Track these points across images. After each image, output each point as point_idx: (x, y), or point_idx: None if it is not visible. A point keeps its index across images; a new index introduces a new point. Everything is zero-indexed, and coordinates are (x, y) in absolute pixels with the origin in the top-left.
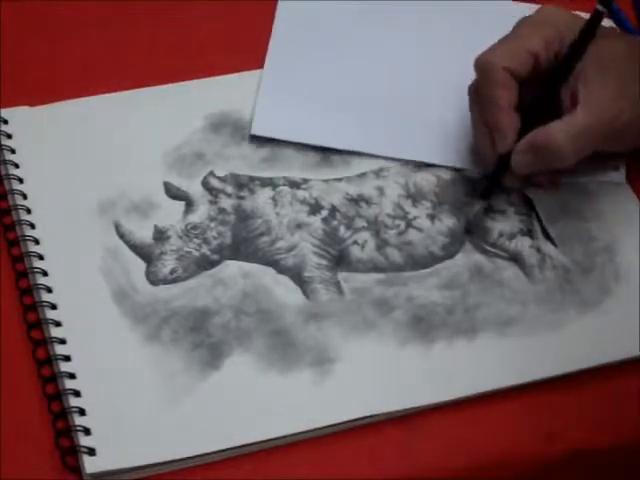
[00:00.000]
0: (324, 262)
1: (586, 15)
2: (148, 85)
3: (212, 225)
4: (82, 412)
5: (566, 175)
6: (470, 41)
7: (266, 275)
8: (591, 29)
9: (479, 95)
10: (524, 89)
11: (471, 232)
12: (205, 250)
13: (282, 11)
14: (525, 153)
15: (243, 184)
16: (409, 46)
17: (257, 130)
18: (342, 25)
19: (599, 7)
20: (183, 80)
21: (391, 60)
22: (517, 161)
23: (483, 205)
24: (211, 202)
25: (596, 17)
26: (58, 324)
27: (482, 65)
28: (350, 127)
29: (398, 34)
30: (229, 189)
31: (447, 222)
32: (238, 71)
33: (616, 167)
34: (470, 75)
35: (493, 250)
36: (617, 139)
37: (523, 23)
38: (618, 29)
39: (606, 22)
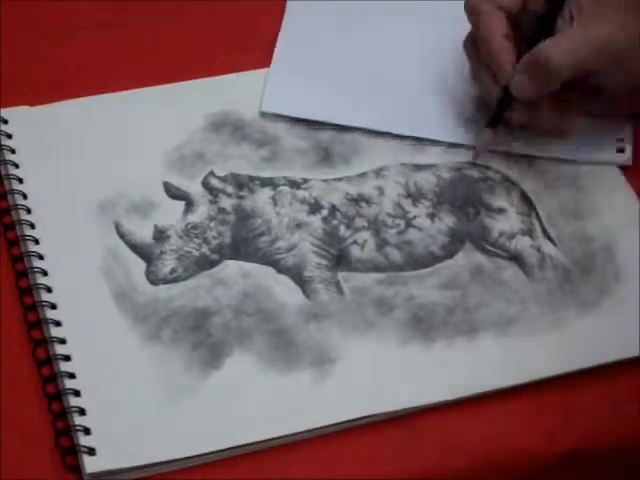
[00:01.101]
0: (324, 262)
1: None
2: (148, 85)
3: (212, 225)
4: (82, 412)
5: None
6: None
7: (266, 275)
8: None
9: (474, 41)
10: (516, 29)
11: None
12: (205, 250)
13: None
14: (522, 73)
15: (243, 184)
16: (410, 30)
17: (267, 107)
18: (351, 12)
19: None
20: (183, 80)
21: (395, 43)
22: (516, 84)
23: (491, 134)
24: (211, 202)
25: None
26: (58, 324)
27: (472, 4)
28: (359, 105)
29: (401, 19)
30: (229, 189)
31: (447, 221)
32: (238, 71)
33: (621, 150)
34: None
35: (493, 250)
36: (614, 63)
37: None
38: None
39: None
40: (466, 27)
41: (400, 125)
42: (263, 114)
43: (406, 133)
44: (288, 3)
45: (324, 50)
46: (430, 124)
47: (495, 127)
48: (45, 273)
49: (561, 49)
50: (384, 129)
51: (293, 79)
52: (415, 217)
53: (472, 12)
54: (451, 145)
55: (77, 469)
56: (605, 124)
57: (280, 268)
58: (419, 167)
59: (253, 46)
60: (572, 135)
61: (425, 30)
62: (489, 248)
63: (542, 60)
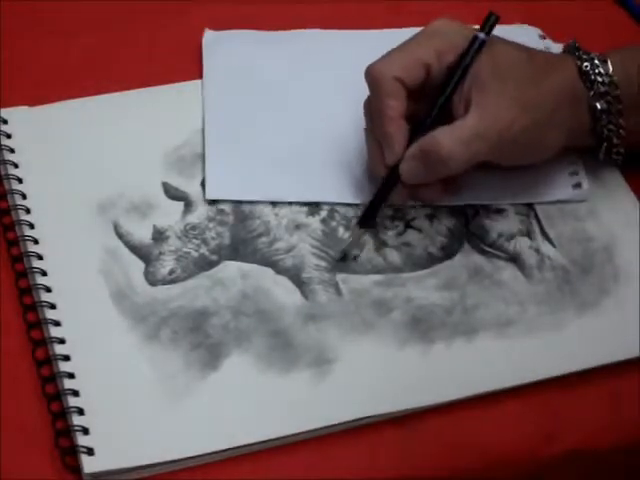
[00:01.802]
0: (323, 263)
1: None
2: (148, 85)
3: (211, 226)
4: (81, 412)
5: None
6: None
7: (265, 276)
8: (486, 31)
9: (370, 107)
10: (417, 101)
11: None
12: (204, 250)
13: (209, 67)
14: (413, 160)
15: None
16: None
17: (211, 195)
18: (271, 73)
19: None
20: (183, 80)
21: (326, 104)
22: (405, 169)
23: (360, 234)
24: (210, 203)
25: (488, 20)
26: (57, 324)
27: (372, 74)
28: (293, 179)
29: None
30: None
31: (446, 222)
32: None
33: (578, 185)
34: None
35: (492, 251)
36: (513, 150)
37: (415, 35)
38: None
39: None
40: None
41: (339, 194)
42: None
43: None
44: (205, 92)
45: (253, 130)
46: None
47: (370, 226)
48: (44, 273)
49: (454, 142)
50: (326, 200)
51: (228, 165)
52: (414, 218)
53: (371, 83)
54: None
55: (77, 469)
56: (554, 161)
57: (279, 269)
58: None
59: None
60: (522, 178)
61: (353, 93)
62: (488, 249)
63: (434, 152)
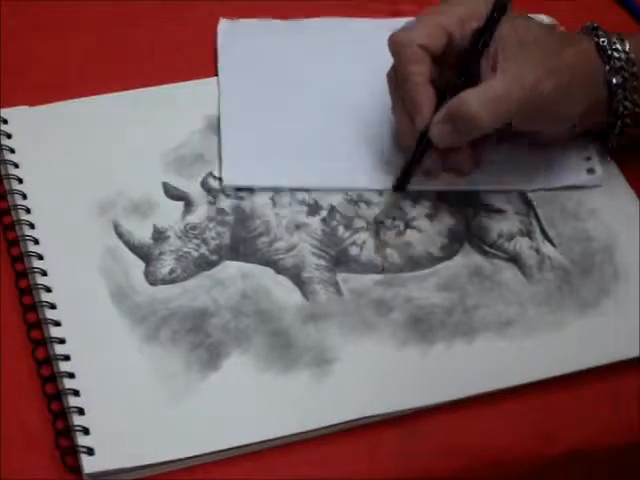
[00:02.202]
0: (323, 263)
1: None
2: (148, 85)
3: (211, 225)
4: (81, 412)
5: (536, 185)
6: None
7: (265, 276)
8: None
9: (395, 75)
10: (442, 70)
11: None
12: (204, 250)
13: (224, 56)
14: (442, 123)
15: None
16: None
17: (229, 181)
18: (286, 62)
19: None
20: (183, 80)
21: (341, 92)
22: (436, 133)
23: (394, 198)
24: (210, 202)
25: None
26: (57, 324)
27: (396, 43)
28: (307, 168)
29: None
30: (228, 189)
31: (446, 222)
32: None
33: (591, 170)
34: None
35: (492, 251)
36: (537, 113)
37: (438, 5)
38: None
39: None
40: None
41: (355, 180)
42: None
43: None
44: (221, 80)
45: (269, 118)
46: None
47: (404, 189)
48: (44, 273)
49: (482, 102)
50: (341, 187)
51: (244, 152)
52: (414, 218)
53: (395, 51)
54: None
55: (77, 469)
56: (568, 146)
57: (279, 269)
58: None
59: None
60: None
61: (369, 80)
62: (488, 249)
63: (462, 112)
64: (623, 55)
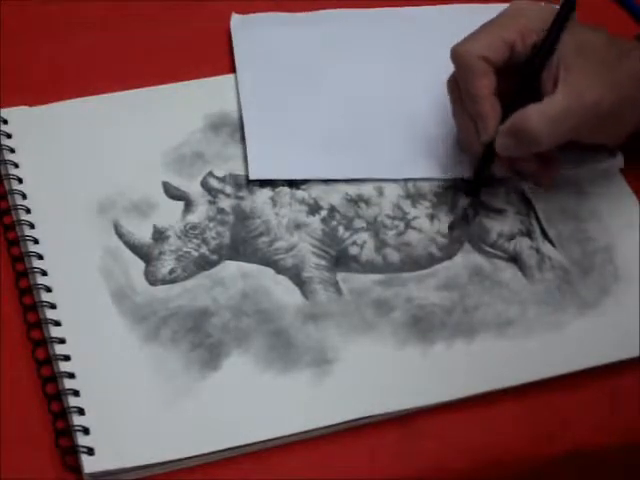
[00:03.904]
0: (323, 262)
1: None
2: (148, 85)
3: (211, 225)
4: (81, 412)
5: (560, 165)
6: (433, 49)
7: (265, 275)
8: (568, 7)
9: (459, 86)
10: (501, 80)
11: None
12: (204, 250)
13: (241, 51)
14: (505, 136)
15: (242, 184)
16: (377, 64)
17: (254, 174)
18: (304, 54)
19: None
20: (182, 79)
21: (363, 82)
22: (499, 144)
23: (468, 203)
24: (210, 202)
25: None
26: (57, 324)
27: (459, 55)
28: (340, 158)
29: (363, 55)
30: (228, 189)
31: (446, 222)
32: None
33: (613, 153)
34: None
35: (492, 251)
36: (598, 127)
37: (498, 16)
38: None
39: None
40: (427, 60)
41: (384, 170)
42: None
43: (393, 177)
44: (239, 74)
45: (291, 110)
46: (414, 164)
47: (476, 196)
48: (45, 273)
49: (543, 119)
50: (370, 176)
51: (270, 144)
52: (414, 218)
53: (459, 63)
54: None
55: (77, 469)
56: None
57: (279, 268)
58: None
59: None
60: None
61: (390, 70)
62: (488, 249)
63: (524, 128)
64: None
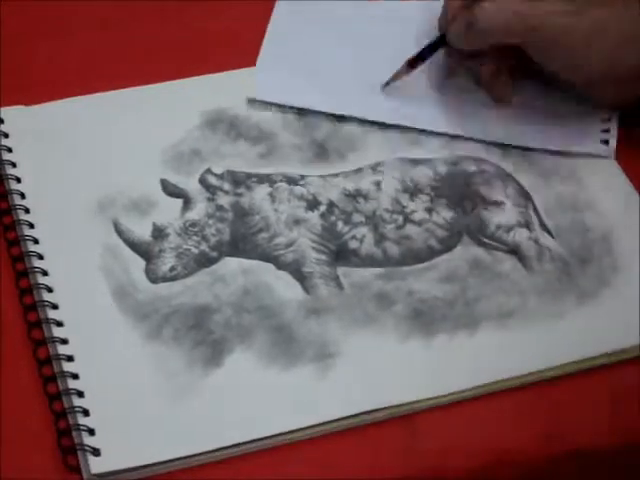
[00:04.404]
0: (323, 257)
1: None
2: (146, 83)
3: (210, 222)
4: (86, 412)
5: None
6: None
7: (266, 271)
8: None
9: None
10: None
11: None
12: (204, 247)
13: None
14: (458, 25)
15: (240, 181)
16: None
17: (260, 95)
18: (335, 10)
19: None
20: (181, 78)
21: (382, 40)
22: (452, 33)
23: (405, 69)
24: (209, 199)
25: None
26: (59, 324)
27: None
28: (352, 97)
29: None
30: (226, 186)
31: (445, 215)
32: (235, 68)
33: (605, 141)
34: None
35: (491, 243)
36: (554, 49)
37: None
38: None
39: None
40: None
41: (396, 117)
42: (257, 106)
43: (403, 123)
44: (277, 2)
45: (313, 45)
46: (427, 116)
47: (415, 66)
48: (45, 273)
49: (488, 12)
50: (379, 119)
51: (282, 70)
52: (413, 212)
53: None
54: (450, 138)
55: (78, 469)
56: (591, 114)
57: (279, 264)
58: (415, 162)
59: (249, 44)
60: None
61: (410, 28)
62: (487, 241)
63: (473, 18)
64: None
